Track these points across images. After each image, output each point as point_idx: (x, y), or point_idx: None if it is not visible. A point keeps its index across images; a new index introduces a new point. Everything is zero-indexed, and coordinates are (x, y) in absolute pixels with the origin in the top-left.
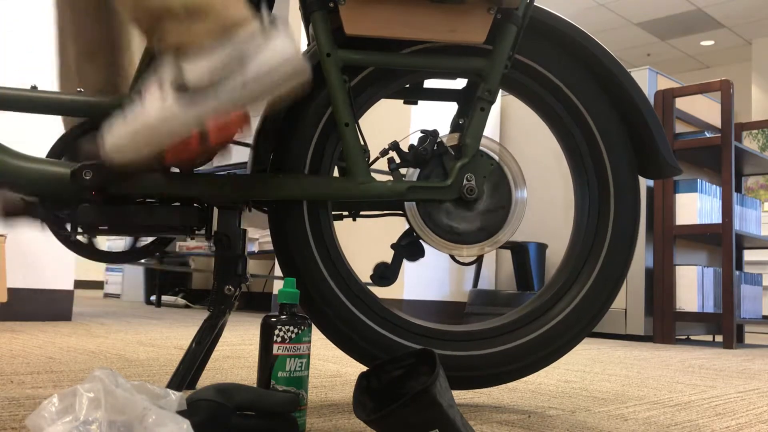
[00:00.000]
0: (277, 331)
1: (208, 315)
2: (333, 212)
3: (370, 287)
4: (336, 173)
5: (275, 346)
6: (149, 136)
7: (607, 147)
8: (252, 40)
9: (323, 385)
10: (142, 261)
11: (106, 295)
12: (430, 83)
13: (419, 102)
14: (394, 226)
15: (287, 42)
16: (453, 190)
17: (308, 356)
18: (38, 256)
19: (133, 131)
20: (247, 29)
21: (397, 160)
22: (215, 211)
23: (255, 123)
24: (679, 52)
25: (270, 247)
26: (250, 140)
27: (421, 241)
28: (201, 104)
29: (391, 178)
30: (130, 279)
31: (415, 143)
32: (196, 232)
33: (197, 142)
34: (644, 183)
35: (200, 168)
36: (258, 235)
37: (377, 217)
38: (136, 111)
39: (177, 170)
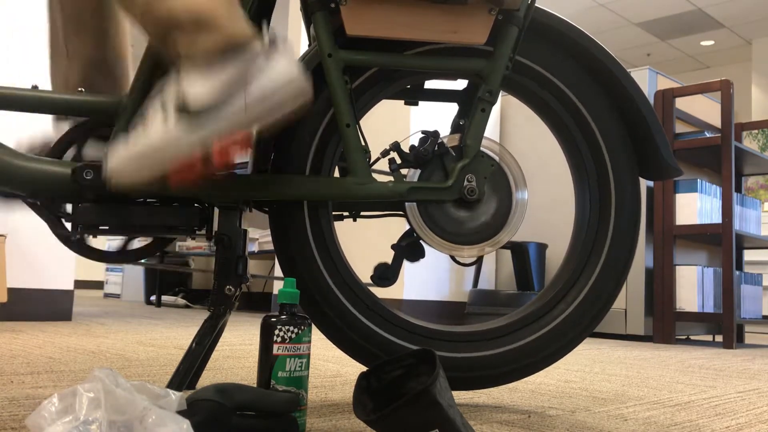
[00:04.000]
0: (277, 331)
1: (209, 315)
2: (333, 212)
3: (370, 287)
4: (337, 174)
5: (275, 346)
6: (152, 159)
7: (608, 148)
8: (255, 60)
9: (323, 385)
10: (142, 261)
11: (106, 295)
12: (430, 84)
13: (420, 103)
14: (394, 227)
15: (289, 62)
16: (454, 190)
17: (308, 356)
18: (38, 256)
19: (136, 155)
20: (251, 48)
21: (398, 161)
22: (216, 211)
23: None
24: (679, 52)
25: (270, 247)
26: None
27: (421, 241)
28: (204, 127)
29: (391, 178)
30: (130, 279)
31: (416, 144)
32: (197, 232)
33: (200, 165)
34: (644, 183)
35: None
36: (258, 235)
37: (378, 218)
38: (138, 134)
39: None
